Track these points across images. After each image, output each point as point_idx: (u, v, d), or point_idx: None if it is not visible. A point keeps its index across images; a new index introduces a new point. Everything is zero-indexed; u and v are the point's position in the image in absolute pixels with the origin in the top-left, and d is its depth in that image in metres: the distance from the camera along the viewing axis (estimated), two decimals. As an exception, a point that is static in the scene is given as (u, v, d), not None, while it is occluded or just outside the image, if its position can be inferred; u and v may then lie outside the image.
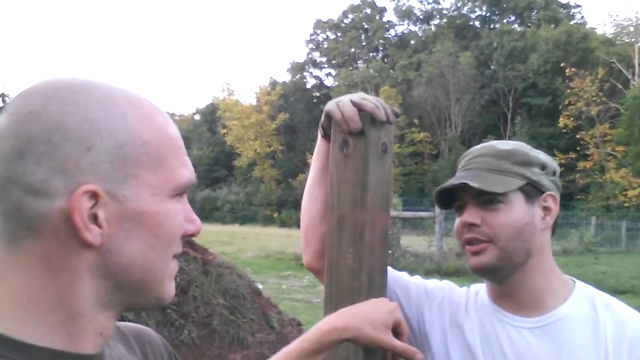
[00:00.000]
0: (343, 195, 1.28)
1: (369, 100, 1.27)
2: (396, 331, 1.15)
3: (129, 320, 3.35)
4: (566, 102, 41.88)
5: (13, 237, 0.70)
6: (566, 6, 59.08)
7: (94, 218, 0.69)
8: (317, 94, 61.81)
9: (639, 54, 42.95)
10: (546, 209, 1.34)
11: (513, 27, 55.94)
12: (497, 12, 59.56)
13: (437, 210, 14.53)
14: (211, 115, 62.54)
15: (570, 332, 1.28)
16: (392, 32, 63.86)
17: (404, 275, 1.50)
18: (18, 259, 0.70)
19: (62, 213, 0.68)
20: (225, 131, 55.05)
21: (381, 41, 62.85)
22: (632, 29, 46.25)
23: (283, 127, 54.68)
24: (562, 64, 42.11)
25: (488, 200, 1.29)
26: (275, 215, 46.33)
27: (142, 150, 0.73)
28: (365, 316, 1.12)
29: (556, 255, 1.40)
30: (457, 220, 1.35)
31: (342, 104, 1.27)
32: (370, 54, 63.44)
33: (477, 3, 59.85)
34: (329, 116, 1.31)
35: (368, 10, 63.76)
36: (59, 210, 0.68)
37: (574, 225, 24.60)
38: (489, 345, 1.33)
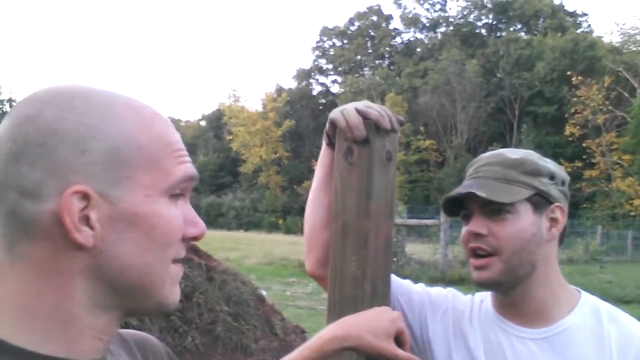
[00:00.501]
0: (347, 203, 1.28)
1: (373, 108, 1.27)
2: (398, 340, 1.15)
3: (133, 327, 3.36)
4: (572, 111, 41.80)
5: (11, 242, 0.70)
6: (573, 14, 59.06)
7: (87, 219, 0.69)
8: (323, 100, 61.86)
9: (645, 63, 42.84)
10: (553, 220, 1.33)
11: (519, 35, 55.91)
12: (503, 20, 59.54)
13: (442, 218, 14.51)
14: (217, 122, 62.62)
15: (575, 343, 1.28)
16: (398, 40, 63.94)
17: (407, 282, 1.50)
18: (15, 263, 0.70)
19: (54, 215, 0.68)
20: (231, 137, 55.10)
21: (387, 48, 62.90)
22: (639, 37, 46.19)
23: (289, 134, 54.71)
24: (568, 73, 42.02)
25: (495, 210, 1.29)
26: (280, 221, 46.30)
27: (137, 154, 0.73)
28: (367, 325, 1.12)
29: (561, 264, 1.40)
30: (464, 229, 1.35)
31: (346, 112, 1.27)
32: (377, 61, 63.48)
33: (483, 11, 59.88)
34: (333, 124, 1.31)
35: (374, 18, 63.85)
36: (51, 212, 0.68)
37: (579, 234, 24.52)
38: (493, 355, 1.32)
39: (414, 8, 63.37)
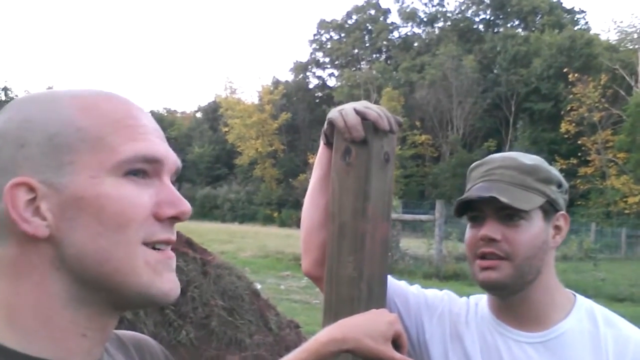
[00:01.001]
0: (344, 203, 1.28)
1: (372, 109, 1.26)
2: (396, 343, 1.15)
3: (127, 320, 3.36)
4: (568, 108, 41.88)
5: None
6: (570, 11, 59.08)
7: (38, 210, 0.69)
8: (320, 94, 61.82)
9: (642, 61, 42.92)
10: (557, 228, 1.35)
11: (517, 31, 55.94)
12: (501, 16, 59.53)
13: (437, 213, 14.54)
14: (213, 114, 62.52)
15: (572, 347, 1.29)
16: (395, 34, 63.89)
17: (403, 284, 1.50)
18: None
19: (6, 211, 0.69)
20: (227, 129, 55.04)
21: (385, 43, 62.83)
22: (636, 35, 46.30)
23: (285, 127, 54.66)
24: (565, 69, 42.09)
25: (509, 215, 1.28)
26: (275, 214, 46.31)
27: (77, 137, 0.71)
28: (364, 327, 1.12)
29: (555, 261, 1.41)
30: (472, 232, 1.33)
31: (345, 112, 1.27)
32: (374, 55, 63.42)
33: (481, 7, 59.85)
34: (331, 124, 1.30)
35: (372, 12, 63.77)
36: (5, 210, 0.69)
37: (573, 231, 24.57)
38: (490, 358, 1.33)
39: (412, 2, 63.45)
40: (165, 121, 59.18)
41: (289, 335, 4.10)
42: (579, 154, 40.17)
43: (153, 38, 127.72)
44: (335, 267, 1.29)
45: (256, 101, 56.55)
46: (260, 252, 18.44)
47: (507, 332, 1.34)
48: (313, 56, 65.27)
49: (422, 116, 49.53)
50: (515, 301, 1.33)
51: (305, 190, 1.47)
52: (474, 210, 1.33)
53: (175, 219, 0.75)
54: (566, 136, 42.13)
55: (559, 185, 1.34)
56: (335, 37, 64.89)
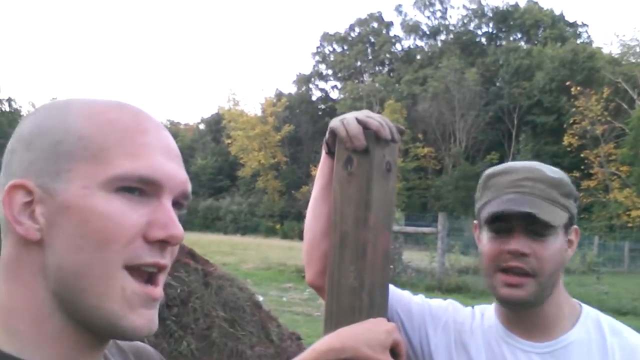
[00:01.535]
0: (346, 213, 1.27)
1: (374, 118, 1.26)
2: (394, 352, 1.14)
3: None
4: (571, 121, 41.93)
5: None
6: (573, 25, 59.29)
7: (32, 213, 0.69)
8: (323, 106, 61.96)
9: (644, 74, 42.97)
10: (570, 242, 1.35)
11: (519, 44, 56.16)
12: (503, 29, 59.75)
13: (440, 226, 14.50)
14: (216, 125, 62.67)
15: (579, 357, 1.29)
16: (398, 47, 64.14)
17: (406, 294, 1.49)
18: None
19: (3, 212, 0.70)
20: (229, 141, 55.15)
21: (387, 55, 63.05)
22: (638, 49, 46.32)
23: (287, 139, 54.74)
24: (567, 83, 42.19)
25: (538, 230, 1.27)
26: (278, 226, 46.27)
27: (78, 145, 0.70)
28: (363, 336, 1.11)
29: (559, 273, 1.40)
30: (496, 244, 1.29)
31: (346, 122, 1.26)
32: (376, 68, 63.63)
33: (483, 20, 60.09)
34: (333, 133, 1.30)
35: (375, 24, 64.03)
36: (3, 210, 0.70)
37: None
38: None
39: (415, 15, 63.75)
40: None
41: (290, 347, 4.08)
42: (582, 167, 40.14)
43: (157, 50, 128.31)
44: (337, 276, 1.28)
45: (259, 113, 56.72)
46: (262, 264, 18.39)
47: (514, 342, 1.34)
48: (316, 68, 65.57)
49: (424, 129, 49.59)
50: (528, 314, 1.32)
51: (308, 202, 1.46)
52: (501, 220, 1.29)
53: (165, 242, 0.72)
54: (569, 149, 42.13)
55: (576, 199, 1.34)
56: (338, 49, 65.16)
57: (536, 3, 59.19)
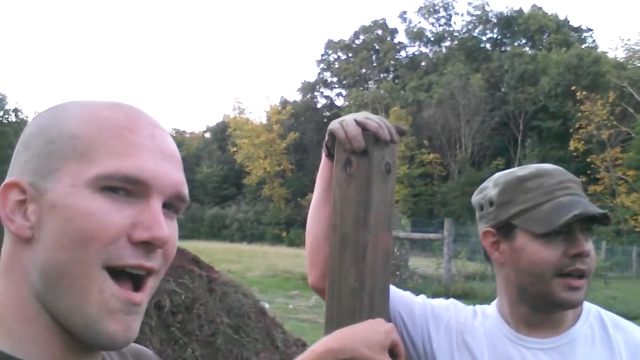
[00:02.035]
0: (346, 214, 1.27)
1: (372, 119, 1.26)
2: (393, 352, 1.13)
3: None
4: (577, 126, 41.86)
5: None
6: (578, 30, 59.26)
7: (25, 211, 0.70)
8: (328, 113, 61.97)
9: (650, 79, 42.89)
10: None
11: (524, 50, 56.10)
12: (508, 35, 59.77)
13: (446, 232, 14.47)
14: (222, 134, 62.84)
15: (586, 352, 1.28)
16: (403, 54, 64.21)
17: (407, 294, 1.49)
18: None
19: None
20: (235, 149, 55.28)
21: (392, 62, 63.14)
22: (643, 53, 46.24)
23: (293, 146, 54.82)
24: (573, 87, 42.13)
25: (588, 230, 1.27)
26: (284, 234, 46.29)
27: (69, 144, 0.70)
28: (361, 337, 1.11)
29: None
30: (552, 247, 1.26)
31: (345, 123, 1.27)
32: (381, 75, 63.70)
33: (488, 26, 60.13)
34: (332, 135, 1.30)
35: (379, 32, 64.13)
36: None
37: (584, 250, 24.35)
38: None
39: (419, 22, 63.74)
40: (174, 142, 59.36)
41: (295, 353, 4.06)
42: (588, 172, 39.99)
43: (162, 60, 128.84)
44: (337, 278, 1.28)
45: (264, 121, 56.83)
46: (268, 272, 18.40)
47: (518, 339, 1.33)
48: (321, 76, 65.68)
49: (430, 135, 49.56)
50: (554, 314, 1.31)
51: None
52: (562, 223, 1.26)
53: (148, 244, 0.70)
54: (575, 154, 42.03)
55: None
56: (343, 57, 65.29)
57: (540, 8, 59.21)
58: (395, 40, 64.18)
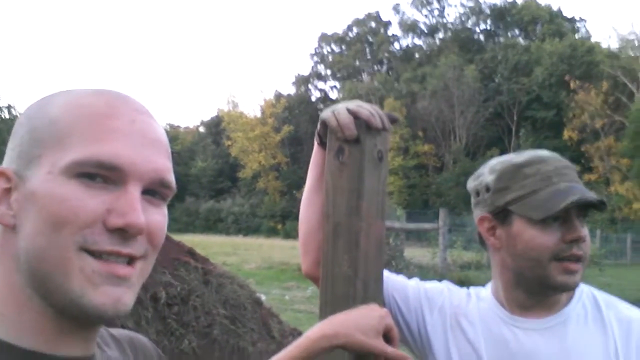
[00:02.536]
0: (338, 202, 1.28)
1: (364, 107, 1.27)
2: (387, 337, 1.14)
3: (129, 328, 3.35)
4: (571, 115, 41.95)
5: None
6: (571, 20, 59.24)
7: (9, 200, 0.71)
8: (322, 106, 61.72)
9: (643, 68, 42.96)
10: None
11: (517, 40, 56.09)
12: (501, 26, 59.71)
13: (441, 222, 14.50)
14: (216, 128, 62.70)
15: (579, 331, 1.30)
16: (396, 46, 64.08)
17: (401, 279, 1.51)
18: None
19: None
20: (229, 143, 55.15)
21: (386, 54, 63.00)
22: (636, 42, 46.29)
23: (287, 139, 54.73)
24: (566, 77, 42.19)
25: (584, 216, 1.29)
26: (279, 226, 46.28)
27: (48, 131, 0.70)
28: (355, 323, 1.12)
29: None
30: (548, 233, 1.27)
31: (337, 112, 1.28)
32: (375, 67, 63.58)
33: (481, 17, 60.07)
34: (324, 124, 1.31)
35: (373, 24, 63.99)
36: None
37: (579, 238, 24.40)
38: (495, 347, 1.33)
39: (412, 14, 63.66)
40: (168, 136, 59.15)
41: (292, 343, 4.08)
42: (582, 161, 40.11)
43: (155, 54, 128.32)
44: (331, 265, 1.29)
45: (259, 114, 56.70)
46: (264, 264, 18.41)
47: (512, 320, 1.34)
48: (315, 69, 65.54)
49: (424, 126, 49.56)
50: (550, 297, 1.33)
51: None
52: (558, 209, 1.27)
53: (123, 231, 0.69)
54: (569, 144, 42.12)
55: None
56: (337, 49, 65.16)
57: (533, -1, 59.21)
58: (389, 33, 64.06)
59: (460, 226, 20.09)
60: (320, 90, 65.39)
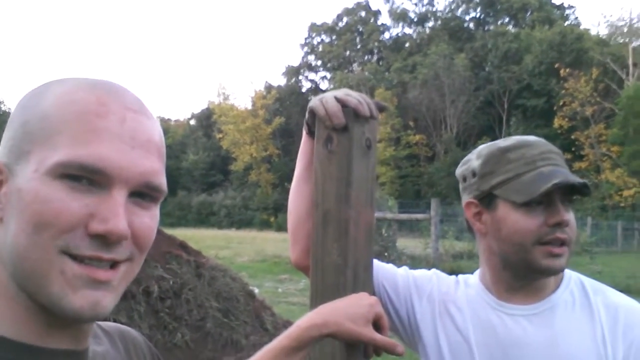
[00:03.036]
0: (327, 191, 1.28)
1: (352, 96, 1.26)
2: (377, 325, 1.14)
3: (122, 323, 3.33)
4: (561, 103, 42.05)
5: None
6: (560, 7, 59.30)
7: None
8: (313, 97, 61.69)
9: (632, 54, 43.08)
10: None
11: (507, 28, 56.12)
12: (491, 14, 59.71)
13: (433, 212, 14.52)
14: (207, 120, 62.55)
15: (566, 317, 1.30)
16: (386, 35, 64.05)
17: (390, 267, 1.51)
18: None
19: None
20: (221, 136, 55.03)
21: (376, 44, 62.96)
22: (625, 29, 46.42)
23: (279, 131, 54.65)
24: (556, 65, 42.28)
25: (569, 201, 1.29)
26: (272, 219, 46.28)
27: (39, 126, 0.69)
28: (344, 311, 1.11)
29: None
30: (532, 217, 1.27)
31: (325, 100, 1.27)
32: (365, 57, 63.53)
33: (471, 5, 60.02)
34: (313, 112, 1.31)
35: (362, 14, 63.89)
36: None
37: (570, 226, 24.51)
38: (484, 333, 1.34)
39: (402, 3, 63.99)
40: (160, 130, 59.04)
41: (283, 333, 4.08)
42: (573, 149, 40.27)
43: (145, 47, 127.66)
44: (320, 254, 1.29)
45: (249, 106, 56.56)
46: (257, 257, 18.42)
47: (500, 306, 1.35)
48: (305, 60, 65.42)
49: (415, 116, 49.58)
50: (537, 281, 1.33)
51: None
52: (542, 193, 1.27)
53: (104, 237, 0.68)
54: (559, 131, 42.24)
55: None
56: (327, 40, 65.04)
57: (523, -13, 59.15)
58: (379, 22, 64.03)
59: (452, 216, 20.15)
60: (311, 81, 65.43)
